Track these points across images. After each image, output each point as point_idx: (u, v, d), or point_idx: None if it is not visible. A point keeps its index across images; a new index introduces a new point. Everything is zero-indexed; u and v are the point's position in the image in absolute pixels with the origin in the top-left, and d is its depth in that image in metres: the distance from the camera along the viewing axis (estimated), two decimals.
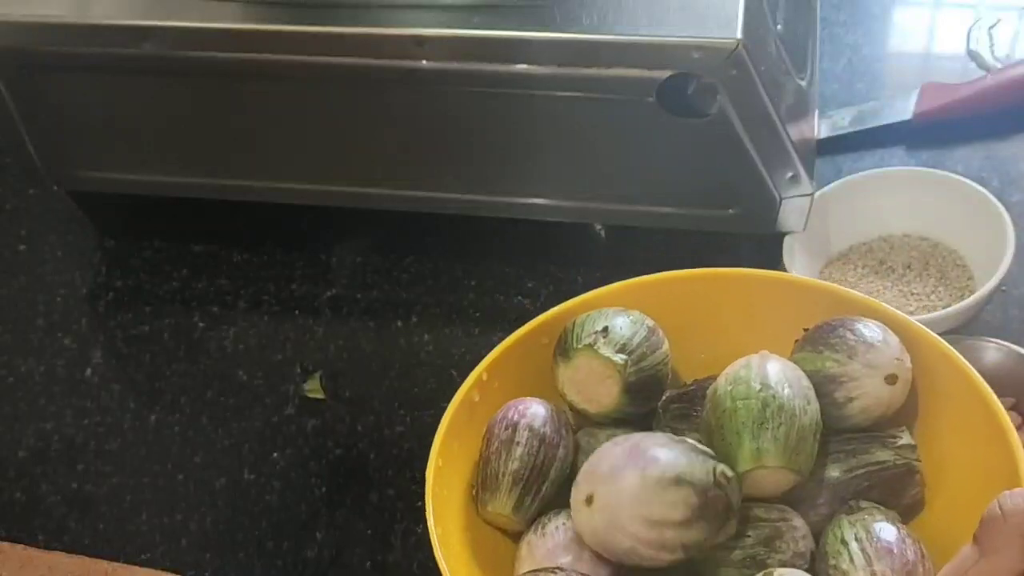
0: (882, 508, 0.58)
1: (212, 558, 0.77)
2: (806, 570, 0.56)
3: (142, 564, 0.77)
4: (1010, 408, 0.73)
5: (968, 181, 0.79)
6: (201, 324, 0.89)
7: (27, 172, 0.90)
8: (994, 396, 0.57)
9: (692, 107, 0.73)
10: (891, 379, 0.59)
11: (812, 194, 0.76)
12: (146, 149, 0.87)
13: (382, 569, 0.74)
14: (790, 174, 0.75)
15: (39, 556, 0.78)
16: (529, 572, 0.57)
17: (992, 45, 0.96)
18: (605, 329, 0.62)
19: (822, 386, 0.60)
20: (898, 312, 0.62)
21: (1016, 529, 0.47)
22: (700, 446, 0.57)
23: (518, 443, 0.60)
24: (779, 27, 0.77)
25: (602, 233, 0.88)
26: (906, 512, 0.59)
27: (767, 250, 0.80)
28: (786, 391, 0.58)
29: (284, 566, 0.76)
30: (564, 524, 0.59)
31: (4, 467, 0.83)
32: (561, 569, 0.56)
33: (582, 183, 0.80)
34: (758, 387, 0.58)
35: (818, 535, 0.58)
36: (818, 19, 0.94)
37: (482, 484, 0.61)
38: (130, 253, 0.94)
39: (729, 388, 0.59)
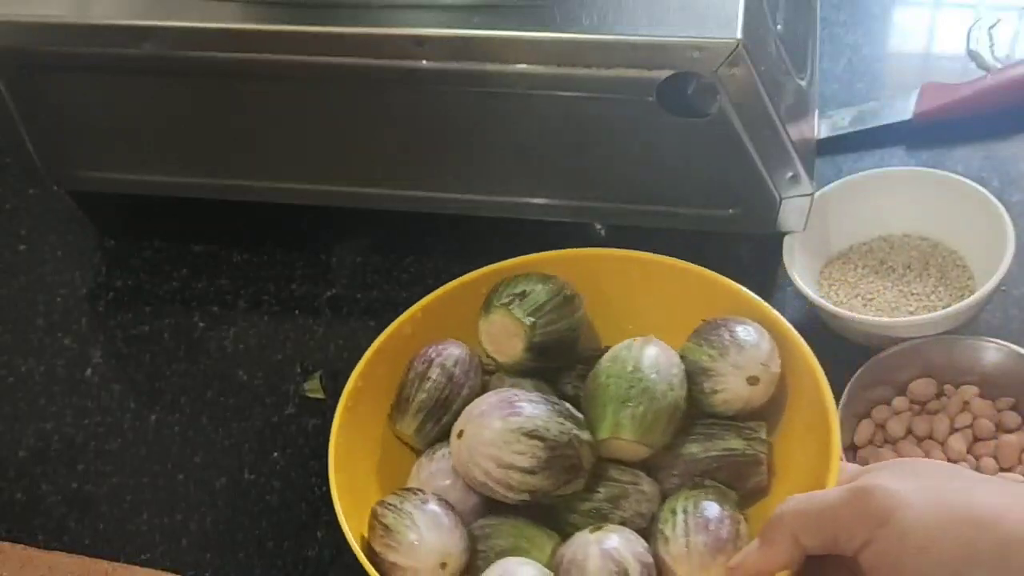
0: (723, 488, 0.65)
1: (212, 558, 0.77)
2: (643, 529, 0.64)
3: (142, 564, 0.77)
4: (1010, 408, 0.74)
5: (968, 181, 0.79)
6: (201, 324, 0.89)
7: (27, 172, 0.90)
8: (833, 405, 0.64)
9: (692, 107, 0.73)
10: (752, 380, 0.66)
11: (812, 194, 0.76)
12: (146, 149, 0.87)
13: None
14: (790, 174, 0.75)
15: (39, 556, 0.78)
16: (398, 490, 0.65)
17: (992, 45, 0.96)
18: (523, 293, 0.70)
19: (695, 375, 0.67)
20: (781, 319, 0.68)
21: (788, 528, 0.55)
22: (570, 409, 0.65)
23: (429, 378, 0.69)
24: (779, 27, 0.77)
25: (602, 233, 0.88)
26: (750, 495, 0.67)
27: (767, 250, 0.80)
28: (653, 376, 0.65)
29: (284, 566, 0.76)
30: (451, 454, 0.67)
31: (4, 467, 0.83)
32: (422, 491, 0.65)
33: (582, 183, 0.80)
34: (630, 369, 0.66)
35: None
36: (818, 19, 0.94)
37: (395, 405, 0.70)
38: (130, 253, 0.94)
39: (608, 365, 0.67)
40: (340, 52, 0.75)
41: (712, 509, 0.62)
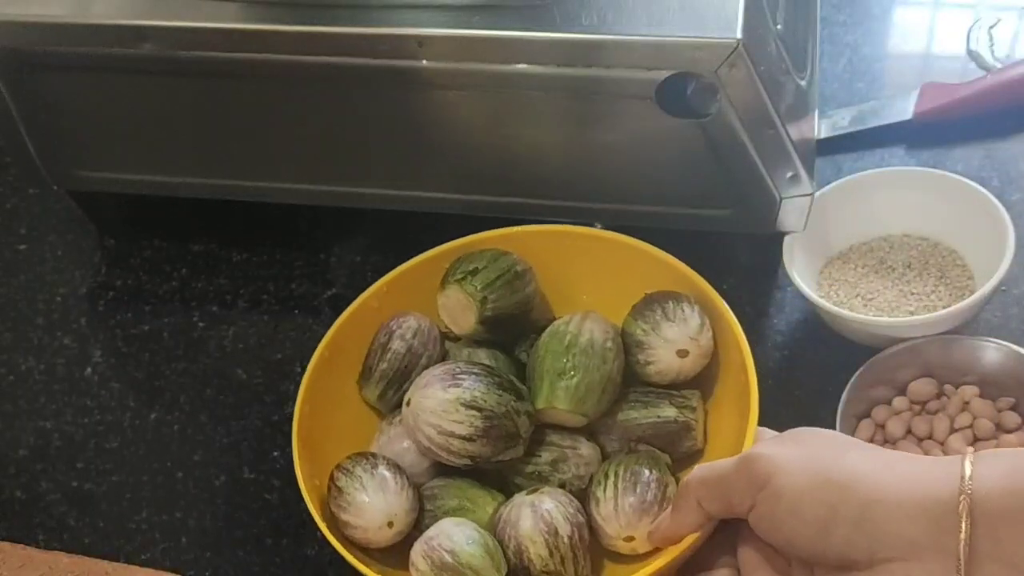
0: (656, 453, 0.70)
1: (212, 556, 0.77)
2: (583, 490, 0.69)
3: (142, 563, 0.77)
4: (1010, 408, 0.73)
5: (968, 181, 0.79)
6: (201, 323, 0.89)
7: (27, 172, 0.90)
8: (754, 375, 0.67)
9: (692, 107, 0.73)
10: (682, 353, 0.70)
11: (812, 194, 0.76)
12: (146, 149, 0.87)
13: None
14: (790, 174, 0.75)
15: (39, 555, 0.78)
16: (353, 454, 0.70)
17: (992, 45, 0.96)
18: (475, 269, 0.74)
19: (632, 347, 0.72)
20: (714, 293, 0.72)
21: (692, 495, 0.60)
22: (512, 381, 0.69)
23: (390, 348, 0.74)
24: (779, 27, 0.77)
25: None
26: (684, 459, 0.71)
27: (767, 250, 0.80)
28: (588, 351, 0.70)
29: (283, 564, 0.76)
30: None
31: (4, 465, 0.83)
32: (374, 455, 0.70)
33: (582, 183, 0.81)
34: (567, 344, 0.70)
35: None
36: (818, 19, 0.94)
37: (362, 374, 0.75)
38: (130, 252, 0.95)
39: (547, 339, 0.72)
40: (340, 52, 0.75)
41: (643, 474, 0.67)
